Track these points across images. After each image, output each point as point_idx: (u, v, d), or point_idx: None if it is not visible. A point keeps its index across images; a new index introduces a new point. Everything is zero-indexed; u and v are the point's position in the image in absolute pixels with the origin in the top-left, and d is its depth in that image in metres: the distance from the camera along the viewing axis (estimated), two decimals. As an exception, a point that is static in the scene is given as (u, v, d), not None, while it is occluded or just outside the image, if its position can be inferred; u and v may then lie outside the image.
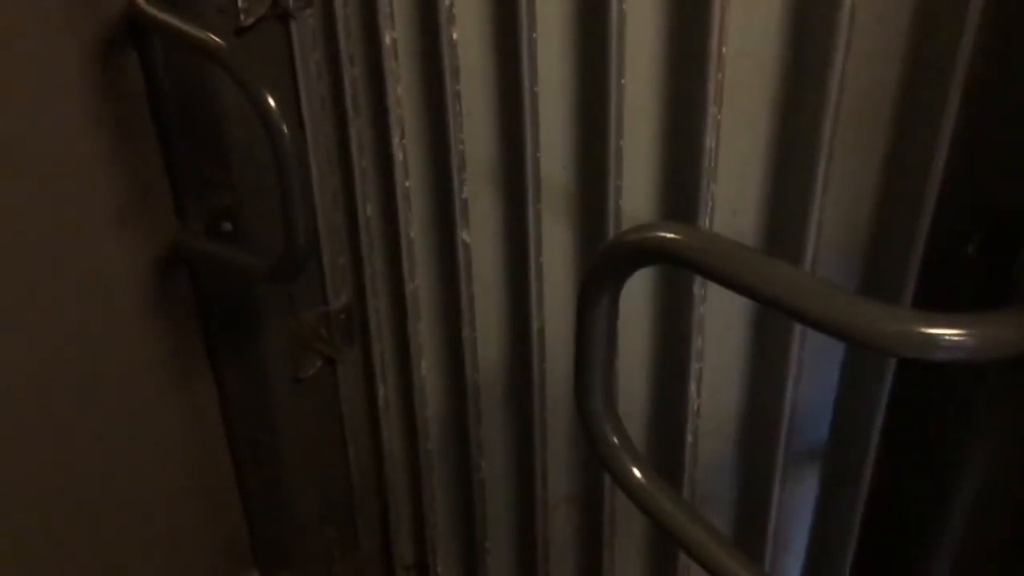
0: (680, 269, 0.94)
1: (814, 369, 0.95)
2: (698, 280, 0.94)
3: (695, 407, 1.01)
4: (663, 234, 0.67)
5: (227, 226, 1.24)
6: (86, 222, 1.21)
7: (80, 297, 1.23)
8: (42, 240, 1.16)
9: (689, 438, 1.02)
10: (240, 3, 1.08)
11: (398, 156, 1.13)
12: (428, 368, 1.29)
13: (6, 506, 1.24)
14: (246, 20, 1.09)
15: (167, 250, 1.30)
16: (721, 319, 0.97)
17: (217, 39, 0.93)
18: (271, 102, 0.90)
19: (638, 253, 0.69)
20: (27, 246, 1.15)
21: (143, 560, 1.47)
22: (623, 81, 0.90)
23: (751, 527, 1.05)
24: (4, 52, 1.05)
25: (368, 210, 1.23)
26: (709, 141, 0.86)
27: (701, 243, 0.65)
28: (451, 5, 0.99)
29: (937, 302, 0.82)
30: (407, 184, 1.15)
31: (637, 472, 0.80)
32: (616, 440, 0.80)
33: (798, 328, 0.91)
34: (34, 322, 1.19)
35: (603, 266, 0.72)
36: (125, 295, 1.29)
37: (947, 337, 0.52)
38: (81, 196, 1.19)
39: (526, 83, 0.96)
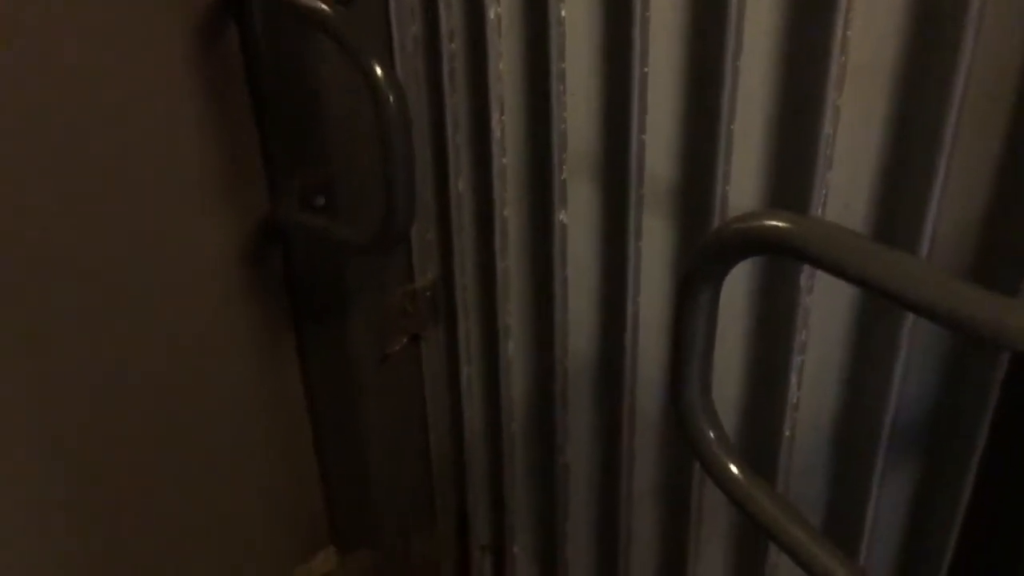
0: (783, 258, 0.91)
1: (920, 364, 0.91)
2: (805, 270, 0.91)
3: (794, 401, 0.98)
4: (774, 222, 0.64)
5: (320, 201, 1.24)
6: (180, 195, 1.22)
7: (173, 270, 1.25)
8: (135, 212, 1.18)
9: (786, 432, 1.00)
10: (343, -26, 1.08)
11: (496, 133, 1.11)
12: (515, 349, 1.27)
13: (97, 472, 1.26)
14: (348, -9, 1.09)
15: (259, 225, 1.31)
16: (826, 311, 0.94)
17: (326, 7, 0.93)
18: (378, 70, 0.90)
19: (746, 241, 0.66)
20: (121, 218, 1.17)
21: (221, 534, 1.49)
22: (738, 63, 0.87)
23: (845, 524, 1.02)
24: (101, 22, 1.06)
25: (460, 186, 1.22)
26: (827, 128, 0.82)
27: (815, 232, 0.62)
28: (561, -19, 0.97)
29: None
30: (504, 161, 1.14)
31: (733, 467, 0.78)
32: (712, 434, 0.78)
33: (908, 322, 0.87)
34: (128, 294, 1.21)
35: (707, 254, 0.69)
36: (217, 269, 1.30)
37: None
38: (176, 169, 1.20)
39: (636, 63, 0.93)
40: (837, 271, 0.59)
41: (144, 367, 1.26)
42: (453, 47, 1.13)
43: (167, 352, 1.28)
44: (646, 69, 0.95)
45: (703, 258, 0.70)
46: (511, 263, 1.21)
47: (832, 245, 0.60)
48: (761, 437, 1.04)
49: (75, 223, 1.12)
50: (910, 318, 0.87)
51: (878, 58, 0.82)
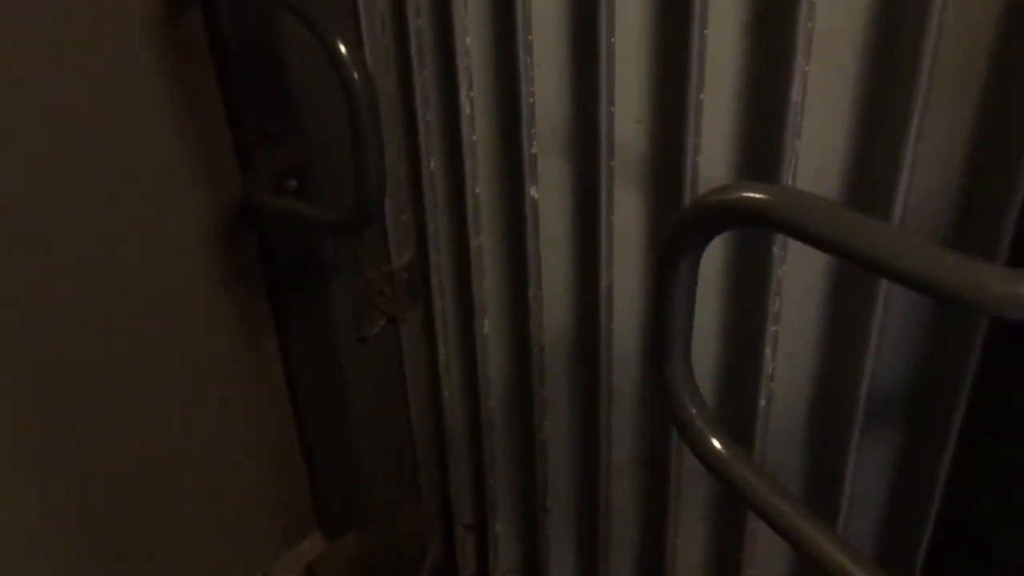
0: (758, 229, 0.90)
1: (896, 332, 0.91)
2: (778, 240, 0.91)
3: (769, 371, 0.98)
4: (751, 195, 0.63)
5: (292, 184, 1.23)
6: (149, 181, 1.21)
7: (146, 256, 1.23)
8: (106, 198, 1.16)
9: (762, 402, 1.00)
10: (305, -48, 1.06)
11: (465, 109, 1.10)
12: (491, 327, 1.27)
13: (74, 458, 1.25)
14: (311, -30, 1.07)
15: (232, 209, 1.30)
16: (800, 280, 0.94)
17: (290, -15, 0.91)
18: (343, 49, 0.89)
19: (723, 215, 0.65)
20: (91, 204, 1.15)
21: (205, 520, 1.48)
22: (706, 32, 0.87)
23: (825, 492, 1.02)
24: (68, 8, 1.04)
25: (432, 165, 1.21)
26: (795, 95, 0.82)
27: (792, 203, 0.61)
28: (525, -48, 0.96)
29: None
30: (474, 138, 1.12)
31: (715, 441, 0.78)
32: (694, 409, 0.78)
33: (882, 291, 0.87)
34: (102, 281, 1.19)
35: (685, 229, 0.69)
36: (191, 254, 1.29)
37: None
38: (146, 154, 1.19)
39: (603, 34, 0.92)
40: (818, 243, 0.59)
41: (120, 353, 1.25)
42: (420, 23, 1.12)
43: (143, 338, 1.27)
44: (613, 40, 0.94)
45: (682, 231, 0.69)
46: (484, 240, 1.20)
47: (811, 216, 0.59)
48: (737, 407, 1.04)
49: (47, 212, 1.11)
50: (884, 285, 0.87)
51: (846, 23, 0.81)
